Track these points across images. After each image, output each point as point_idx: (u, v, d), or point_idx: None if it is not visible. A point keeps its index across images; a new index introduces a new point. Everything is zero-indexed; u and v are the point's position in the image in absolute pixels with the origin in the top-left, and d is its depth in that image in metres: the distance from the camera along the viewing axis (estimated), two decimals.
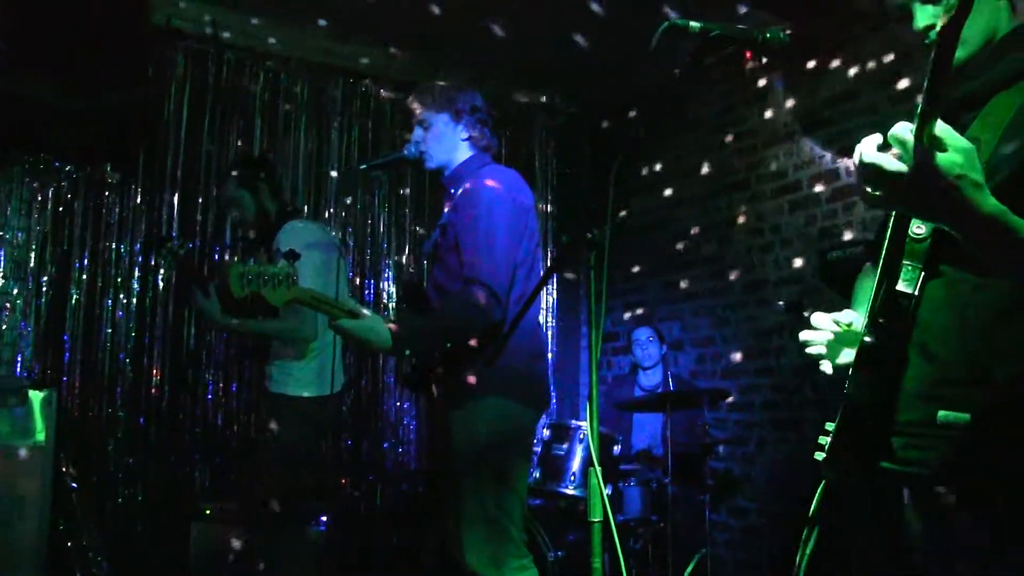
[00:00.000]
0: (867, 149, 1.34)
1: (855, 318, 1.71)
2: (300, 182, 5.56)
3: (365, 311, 2.55)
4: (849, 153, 4.82)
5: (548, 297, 6.52)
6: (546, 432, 4.30)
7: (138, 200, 5.09)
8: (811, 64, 5.00)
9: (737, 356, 5.36)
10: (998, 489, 1.44)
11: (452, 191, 2.90)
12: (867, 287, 1.79)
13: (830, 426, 1.67)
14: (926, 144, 1.27)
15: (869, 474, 1.59)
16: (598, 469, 1.98)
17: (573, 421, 4.32)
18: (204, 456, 5.06)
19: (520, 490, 2.73)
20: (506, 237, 2.70)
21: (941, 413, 1.49)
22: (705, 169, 5.71)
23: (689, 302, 5.75)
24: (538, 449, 4.24)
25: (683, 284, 5.79)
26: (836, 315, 1.73)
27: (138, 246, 5.06)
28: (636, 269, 6.08)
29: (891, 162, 1.30)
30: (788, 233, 5.15)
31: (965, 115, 1.56)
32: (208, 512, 4.38)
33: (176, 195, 5.17)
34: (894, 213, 1.57)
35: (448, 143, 2.90)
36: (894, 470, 1.55)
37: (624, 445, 4.54)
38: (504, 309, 2.67)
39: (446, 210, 2.91)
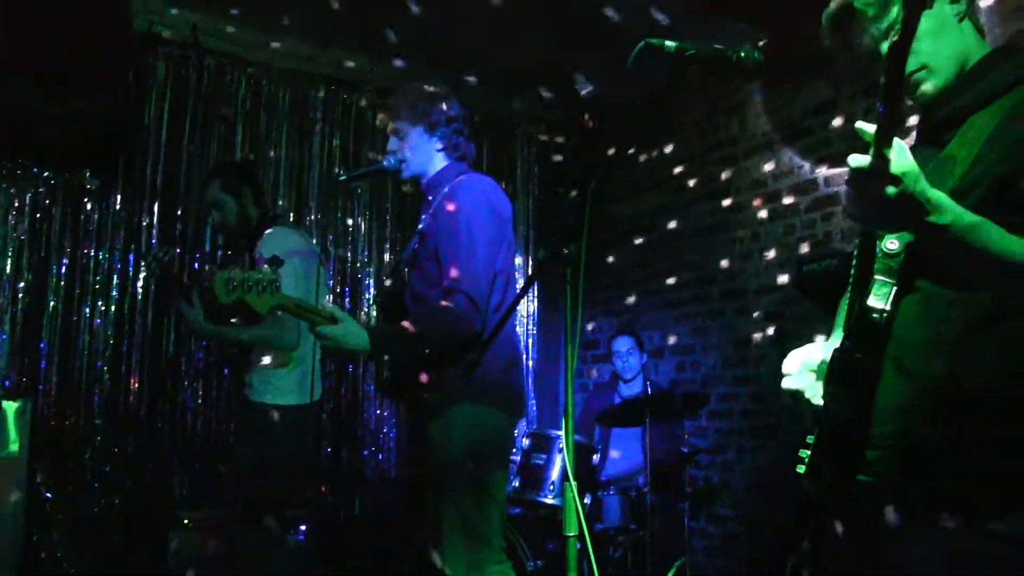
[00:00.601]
0: (855, 159, 1.38)
1: (824, 353, 1.71)
2: (281, 188, 5.55)
3: (344, 316, 2.57)
4: (828, 163, 4.87)
5: (529, 304, 6.53)
6: (526, 441, 4.31)
7: (117, 207, 5.06)
8: (791, 74, 5.03)
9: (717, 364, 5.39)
10: (978, 498, 1.47)
11: (430, 199, 2.93)
12: (838, 317, 1.85)
13: (812, 439, 1.70)
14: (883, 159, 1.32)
15: (847, 486, 1.61)
16: (574, 484, 1.99)
17: (553, 431, 4.33)
18: (183, 464, 5.03)
19: (499, 496, 2.75)
20: (486, 246, 2.73)
21: (915, 428, 1.53)
22: (685, 177, 5.73)
23: (670, 310, 5.77)
24: (518, 458, 4.25)
25: (664, 292, 5.81)
26: (804, 357, 1.74)
27: (117, 255, 5.02)
28: (617, 276, 6.10)
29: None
30: (767, 242, 5.18)
31: (945, 134, 1.62)
32: (187, 521, 4.37)
33: (156, 202, 5.15)
34: (863, 229, 1.61)
35: (423, 153, 2.93)
36: (870, 482, 1.58)
37: (602, 458, 4.53)
38: (484, 318, 2.69)
39: (424, 217, 2.93)
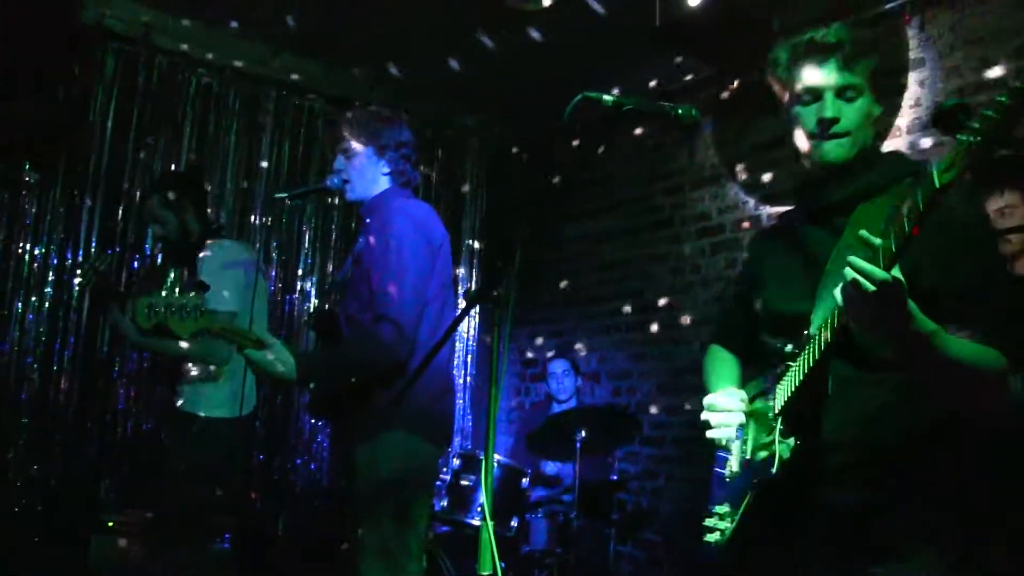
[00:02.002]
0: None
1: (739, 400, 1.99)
2: (228, 193, 5.50)
3: (273, 341, 2.56)
4: (772, 200, 4.95)
5: (469, 321, 6.53)
6: (456, 461, 4.33)
7: (56, 202, 4.96)
8: (739, 110, 5.11)
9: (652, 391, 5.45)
10: (901, 551, 1.67)
11: (367, 221, 2.93)
12: (721, 369, 2.14)
13: (720, 508, 1.97)
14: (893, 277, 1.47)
15: (785, 548, 1.83)
16: (490, 524, 2.01)
17: (482, 452, 4.34)
18: (111, 467, 4.95)
19: (419, 525, 2.78)
20: (416, 273, 2.74)
21: (839, 495, 1.73)
22: (631, 205, 5.79)
23: (608, 335, 5.82)
24: (447, 478, 4.27)
25: (603, 317, 5.86)
26: (740, 393, 1.99)
27: (53, 250, 4.92)
28: (557, 299, 6.13)
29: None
30: (708, 274, 5.25)
31: (837, 219, 1.83)
32: (111, 524, 4.30)
33: (97, 200, 5.07)
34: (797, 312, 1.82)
35: (369, 176, 2.94)
36: (805, 543, 1.79)
37: (533, 477, 4.55)
38: (411, 345, 2.70)
39: (360, 240, 2.94)
